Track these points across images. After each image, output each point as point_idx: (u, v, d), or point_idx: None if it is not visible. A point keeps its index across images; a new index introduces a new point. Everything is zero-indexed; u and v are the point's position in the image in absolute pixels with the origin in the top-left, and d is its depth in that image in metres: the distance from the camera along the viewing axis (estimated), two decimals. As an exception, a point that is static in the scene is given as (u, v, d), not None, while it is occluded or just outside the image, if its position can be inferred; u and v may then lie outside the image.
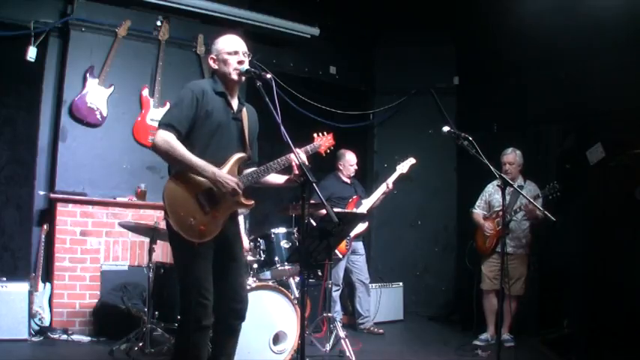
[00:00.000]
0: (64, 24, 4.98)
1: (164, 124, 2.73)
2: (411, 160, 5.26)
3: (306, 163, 2.81)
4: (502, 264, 3.54)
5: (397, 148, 6.71)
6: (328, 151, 3.13)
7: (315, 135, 3.11)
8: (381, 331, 5.47)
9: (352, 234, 5.08)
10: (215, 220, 2.74)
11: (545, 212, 3.66)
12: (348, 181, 5.45)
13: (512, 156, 4.94)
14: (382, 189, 5.21)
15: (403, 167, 5.25)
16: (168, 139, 2.68)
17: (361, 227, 5.18)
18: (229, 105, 2.89)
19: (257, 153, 3.09)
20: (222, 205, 2.77)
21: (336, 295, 5.33)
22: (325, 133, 3.14)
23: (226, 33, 3.00)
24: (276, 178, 2.99)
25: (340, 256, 5.21)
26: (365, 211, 5.15)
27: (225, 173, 2.74)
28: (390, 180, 5.18)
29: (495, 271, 4.94)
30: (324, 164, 5.40)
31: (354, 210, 5.22)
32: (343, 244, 5.12)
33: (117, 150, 5.12)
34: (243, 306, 2.90)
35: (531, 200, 3.75)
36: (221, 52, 2.87)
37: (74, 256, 4.77)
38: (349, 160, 5.41)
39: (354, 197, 5.34)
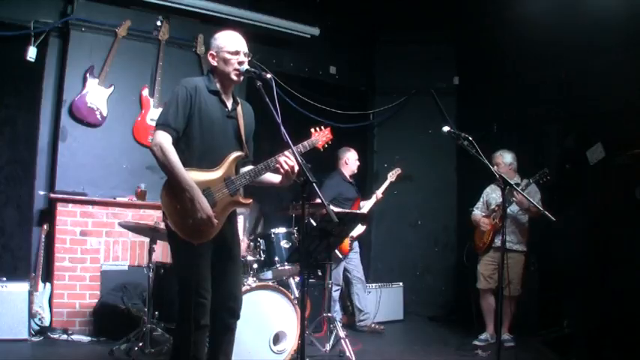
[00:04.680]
0: (64, 24, 4.98)
1: (161, 124, 2.71)
2: (397, 170, 5.63)
3: (295, 164, 2.74)
4: (502, 263, 3.53)
5: (397, 148, 6.75)
6: (326, 145, 3.07)
7: (312, 130, 3.06)
8: (382, 327, 5.49)
9: (355, 234, 5.20)
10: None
11: (546, 212, 3.66)
12: (351, 180, 5.50)
13: (499, 158, 4.97)
14: (373, 200, 5.48)
15: (392, 176, 5.60)
16: (165, 145, 2.64)
17: (361, 229, 5.28)
18: (223, 103, 2.87)
19: (252, 152, 3.05)
20: (220, 204, 2.76)
21: (336, 294, 5.35)
22: (323, 127, 3.09)
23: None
24: (272, 177, 2.95)
25: (341, 256, 5.23)
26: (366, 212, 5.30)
27: (205, 202, 2.65)
28: (380, 190, 5.49)
29: (491, 269, 4.94)
30: (326, 163, 5.45)
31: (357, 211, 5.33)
32: (346, 244, 5.19)
33: (117, 150, 5.12)
34: (238, 305, 2.90)
35: (527, 197, 3.75)
36: (222, 50, 2.83)
37: (74, 256, 4.77)
38: (349, 157, 5.45)
39: (357, 198, 5.43)
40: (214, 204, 2.73)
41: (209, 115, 2.79)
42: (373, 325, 5.50)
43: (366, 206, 5.41)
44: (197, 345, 2.72)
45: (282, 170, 2.78)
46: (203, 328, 2.73)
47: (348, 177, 5.44)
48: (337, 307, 5.36)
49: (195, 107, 2.75)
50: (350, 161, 5.43)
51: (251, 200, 2.89)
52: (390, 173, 5.61)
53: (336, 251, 5.19)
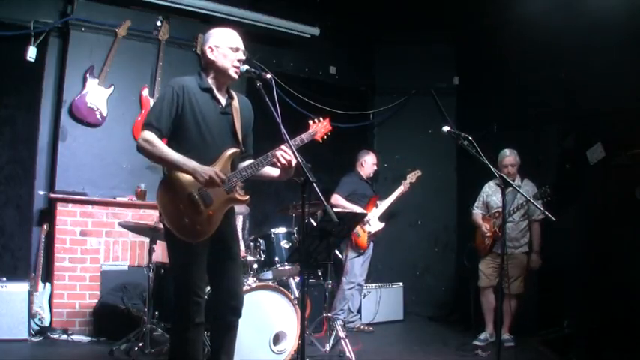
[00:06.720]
0: (64, 24, 4.98)
1: (145, 124, 2.72)
2: (418, 173, 5.61)
3: (293, 159, 2.71)
4: (502, 264, 3.53)
5: (397, 148, 6.76)
6: (325, 137, 3.00)
7: (310, 122, 3.00)
8: (371, 328, 5.51)
9: (373, 231, 5.35)
10: (210, 218, 2.73)
11: (545, 212, 3.66)
12: (368, 181, 5.63)
13: (512, 158, 4.93)
14: (399, 191, 5.53)
15: (412, 177, 5.60)
16: (149, 138, 2.67)
17: (380, 225, 5.42)
18: (216, 100, 2.85)
19: (252, 145, 3.04)
20: (216, 202, 2.75)
21: (349, 293, 5.33)
22: (322, 118, 3.02)
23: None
24: (271, 171, 2.93)
25: (361, 250, 5.33)
26: (380, 212, 5.45)
27: (205, 167, 2.67)
28: (406, 184, 5.57)
29: (492, 268, 4.95)
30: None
31: (375, 209, 5.43)
32: (364, 238, 5.29)
33: (117, 150, 5.12)
34: (239, 302, 2.89)
35: (529, 199, 3.74)
36: (222, 46, 2.82)
37: (74, 256, 4.77)
38: (367, 160, 5.59)
39: (374, 197, 5.50)
40: (210, 202, 2.72)
41: (202, 113, 2.78)
42: (362, 326, 5.52)
43: (388, 200, 5.50)
44: (193, 343, 2.73)
45: (279, 165, 2.77)
46: (198, 326, 2.74)
47: (365, 178, 5.59)
48: (346, 305, 5.34)
49: (185, 107, 2.74)
50: (366, 164, 5.59)
51: (248, 197, 2.88)
52: (410, 175, 5.61)
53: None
